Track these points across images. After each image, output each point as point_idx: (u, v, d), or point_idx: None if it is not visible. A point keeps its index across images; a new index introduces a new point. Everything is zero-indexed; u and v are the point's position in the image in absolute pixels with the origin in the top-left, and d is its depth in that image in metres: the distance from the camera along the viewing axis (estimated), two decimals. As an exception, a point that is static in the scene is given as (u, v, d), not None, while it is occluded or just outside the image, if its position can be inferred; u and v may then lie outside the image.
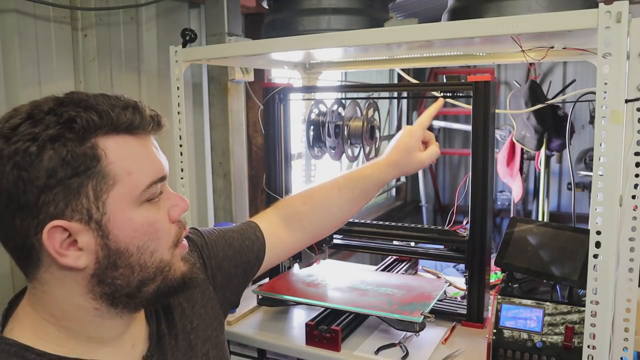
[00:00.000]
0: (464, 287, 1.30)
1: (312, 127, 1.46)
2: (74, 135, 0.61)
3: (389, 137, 4.55)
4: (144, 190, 0.66)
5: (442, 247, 1.34)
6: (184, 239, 0.75)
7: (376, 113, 1.49)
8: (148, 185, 0.67)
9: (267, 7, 1.37)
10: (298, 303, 1.33)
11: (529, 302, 1.05)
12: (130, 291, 0.68)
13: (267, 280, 1.50)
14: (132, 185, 0.65)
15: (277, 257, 1.05)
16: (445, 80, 1.26)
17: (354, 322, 1.25)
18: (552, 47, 1.17)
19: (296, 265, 1.51)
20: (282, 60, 1.61)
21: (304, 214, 1.06)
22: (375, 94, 1.61)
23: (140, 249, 0.67)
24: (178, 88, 1.35)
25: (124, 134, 0.65)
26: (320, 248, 1.46)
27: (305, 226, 1.06)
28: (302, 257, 1.47)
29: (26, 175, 0.59)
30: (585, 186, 3.86)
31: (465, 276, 1.27)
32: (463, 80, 1.23)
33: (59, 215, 0.61)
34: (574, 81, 2.96)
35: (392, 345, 1.17)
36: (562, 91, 3.05)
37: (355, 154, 1.49)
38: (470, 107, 1.20)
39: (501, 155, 3.03)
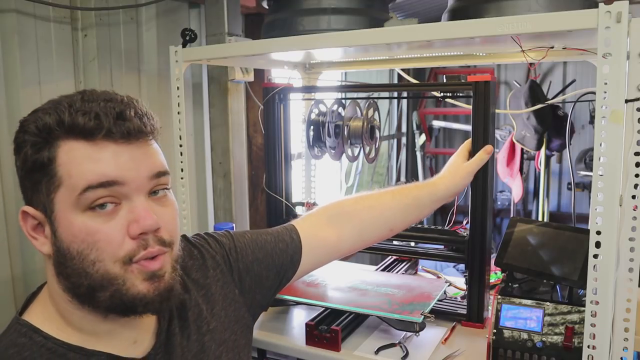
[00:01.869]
0: (464, 287, 1.30)
1: (312, 127, 1.46)
2: (35, 135, 0.67)
3: (389, 137, 4.56)
4: (80, 194, 0.65)
5: (442, 247, 1.34)
6: (154, 260, 0.69)
7: (376, 113, 1.49)
8: (83, 189, 0.65)
9: (267, 7, 1.37)
10: (298, 303, 1.33)
11: (529, 302, 1.05)
12: (84, 292, 0.67)
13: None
14: (71, 188, 0.66)
15: (319, 259, 1.03)
16: (445, 80, 1.26)
17: (354, 322, 1.24)
18: (552, 47, 1.17)
19: (296, 265, 1.50)
20: (282, 60, 1.61)
21: (354, 212, 1.05)
22: (375, 94, 1.61)
23: (81, 254, 0.66)
24: (178, 88, 1.35)
25: (80, 139, 0.66)
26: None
27: (355, 225, 1.05)
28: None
29: (16, 161, 0.70)
30: (585, 186, 3.86)
31: (465, 276, 1.27)
32: (463, 80, 1.23)
33: (29, 202, 0.69)
34: (574, 81, 2.95)
35: (392, 345, 1.17)
36: (562, 91, 3.05)
37: (355, 154, 1.49)
38: (470, 107, 1.20)
39: (501, 155, 3.02)
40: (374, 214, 1.06)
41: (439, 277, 1.54)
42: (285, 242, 0.98)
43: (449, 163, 1.18)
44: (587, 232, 0.88)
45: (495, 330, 1.05)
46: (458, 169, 1.15)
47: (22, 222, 0.69)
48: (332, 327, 1.16)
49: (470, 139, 1.19)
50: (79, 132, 0.66)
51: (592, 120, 3.78)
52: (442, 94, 1.32)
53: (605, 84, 0.83)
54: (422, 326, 1.15)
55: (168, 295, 0.70)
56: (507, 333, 1.04)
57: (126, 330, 0.74)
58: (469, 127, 1.20)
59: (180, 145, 1.37)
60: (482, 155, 1.16)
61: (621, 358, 0.90)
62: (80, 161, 0.66)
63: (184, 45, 1.36)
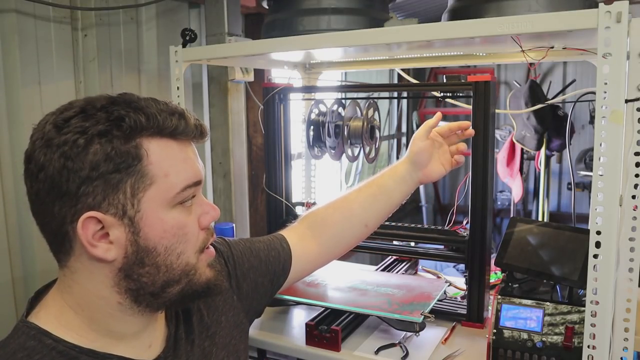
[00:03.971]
0: (464, 287, 1.30)
1: (312, 127, 1.46)
2: (121, 133, 0.64)
3: (389, 137, 4.56)
4: (178, 193, 0.69)
5: (442, 247, 1.34)
6: (211, 246, 0.76)
7: (376, 113, 1.49)
8: (182, 189, 0.69)
9: (267, 7, 1.37)
10: (298, 303, 1.33)
11: (529, 302, 1.05)
12: (154, 290, 0.69)
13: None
14: (168, 186, 0.67)
15: (305, 268, 1.05)
16: (445, 80, 1.26)
17: (354, 322, 1.24)
18: (552, 47, 1.17)
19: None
20: (282, 60, 1.61)
21: (327, 218, 1.07)
22: (375, 94, 1.61)
23: (168, 249, 0.69)
24: (178, 88, 1.35)
25: (167, 138, 0.68)
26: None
27: (330, 229, 1.06)
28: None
29: (71, 165, 0.63)
30: (585, 186, 3.86)
31: (465, 276, 1.27)
32: (463, 80, 1.23)
33: (95, 207, 0.64)
34: (574, 81, 2.96)
35: (392, 345, 1.17)
36: (562, 91, 3.05)
37: (355, 154, 1.49)
38: (470, 107, 1.20)
39: (501, 155, 3.03)
40: (345, 214, 1.07)
41: (439, 277, 1.54)
42: (277, 251, 1.00)
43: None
44: (587, 232, 0.88)
45: (495, 330, 1.05)
46: (412, 143, 1.09)
47: (81, 231, 0.64)
48: (332, 327, 1.16)
49: (432, 119, 1.10)
50: (170, 131, 0.68)
51: (592, 120, 3.78)
52: (442, 94, 1.32)
53: (605, 84, 0.83)
54: (422, 326, 1.15)
55: (222, 279, 0.79)
56: (507, 333, 1.04)
57: (146, 333, 0.75)
58: (469, 127, 1.20)
59: (180, 145, 1.37)
60: (429, 122, 1.07)
61: (621, 358, 0.91)
62: (174, 160, 0.68)
63: (184, 45, 1.36)
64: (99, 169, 0.63)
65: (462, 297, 1.35)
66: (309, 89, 1.69)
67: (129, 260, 0.67)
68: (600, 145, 0.85)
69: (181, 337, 0.80)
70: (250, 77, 1.93)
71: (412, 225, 1.37)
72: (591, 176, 0.88)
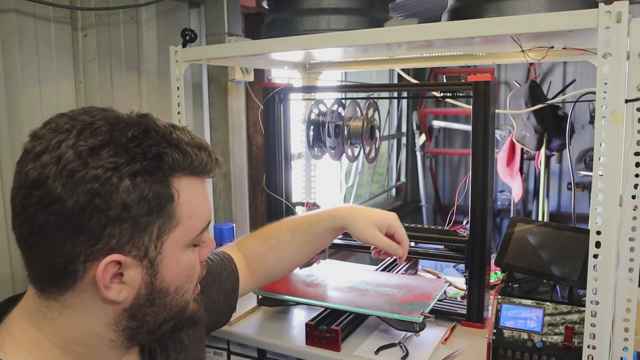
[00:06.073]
0: (464, 287, 1.30)
1: (312, 127, 1.46)
2: (160, 173, 0.60)
3: (389, 137, 4.56)
4: (197, 235, 0.68)
5: (442, 247, 1.34)
6: None
7: (376, 113, 1.49)
8: (201, 231, 0.68)
9: (267, 7, 1.37)
10: (298, 303, 1.33)
11: (529, 302, 1.05)
12: (153, 328, 0.68)
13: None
14: (190, 228, 0.66)
15: (243, 292, 1.08)
16: (445, 80, 1.26)
17: (354, 322, 1.24)
18: (552, 47, 1.17)
19: (296, 265, 1.50)
20: (282, 60, 1.61)
21: (261, 255, 1.10)
22: (375, 94, 1.61)
23: (178, 289, 0.68)
24: (178, 88, 1.35)
25: (193, 176, 0.66)
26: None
27: (263, 267, 1.11)
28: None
29: (99, 203, 0.57)
30: (585, 186, 3.86)
31: (465, 276, 1.27)
32: (463, 80, 1.23)
33: (118, 249, 0.59)
34: (574, 81, 2.96)
35: (392, 345, 1.17)
36: (562, 91, 3.05)
37: (355, 154, 1.49)
38: (470, 107, 1.20)
39: (501, 155, 3.03)
40: (278, 256, 1.10)
41: (439, 277, 1.54)
42: (228, 271, 1.03)
43: None
44: (587, 232, 0.88)
45: (495, 330, 1.05)
46: (362, 233, 1.09)
47: (101, 275, 0.59)
48: (332, 327, 1.16)
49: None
50: (199, 170, 0.65)
51: (592, 120, 3.78)
52: (442, 94, 1.32)
53: (605, 84, 0.83)
54: (422, 326, 1.15)
55: (203, 310, 0.78)
56: (507, 333, 1.04)
57: (124, 358, 0.74)
58: (469, 127, 1.20)
59: (180, 145, 1.37)
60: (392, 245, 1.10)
61: (621, 358, 0.91)
62: (197, 201, 0.66)
63: (184, 45, 1.36)
64: (131, 210, 0.58)
65: (462, 297, 1.35)
66: (309, 89, 1.69)
67: (139, 301, 0.64)
68: (600, 145, 0.85)
69: (156, 352, 0.79)
70: (250, 77, 1.93)
71: (412, 225, 1.37)
72: (591, 176, 0.88)
